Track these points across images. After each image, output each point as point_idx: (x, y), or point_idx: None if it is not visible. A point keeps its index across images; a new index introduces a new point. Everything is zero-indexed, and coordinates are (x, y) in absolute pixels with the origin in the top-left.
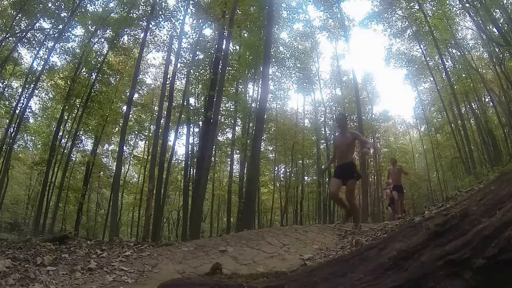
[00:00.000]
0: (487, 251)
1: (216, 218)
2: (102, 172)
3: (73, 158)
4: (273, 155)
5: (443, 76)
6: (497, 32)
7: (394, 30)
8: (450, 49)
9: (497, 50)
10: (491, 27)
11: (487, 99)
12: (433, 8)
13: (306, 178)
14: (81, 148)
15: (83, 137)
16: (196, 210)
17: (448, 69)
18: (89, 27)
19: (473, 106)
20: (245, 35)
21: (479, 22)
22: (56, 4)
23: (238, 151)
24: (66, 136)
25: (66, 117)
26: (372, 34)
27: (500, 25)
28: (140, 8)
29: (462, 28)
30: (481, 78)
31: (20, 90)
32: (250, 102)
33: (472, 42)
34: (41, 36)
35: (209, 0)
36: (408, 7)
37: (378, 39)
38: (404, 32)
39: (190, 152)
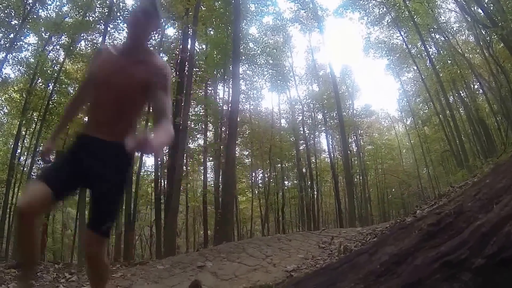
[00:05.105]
0: (486, 249)
1: (192, 232)
2: None
3: (34, 177)
4: (250, 160)
5: (427, 64)
6: (482, 13)
7: (372, 17)
8: (433, 34)
9: (483, 33)
10: (475, 7)
11: (476, 86)
12: None
13: (286, 182)
14: (42, 165)
15: None
16: (170, 224)
17: (432, 56)
18: (43, 34)
19: (462, 94)
20: (212, 32)
21: (462, 3)
22: (6, 11)
23: (211, 158)
24: (25, 153)
25: (24, 133)
26: (348, 24)
27: (485, 5)
28: (96, 10)
29: (445, 11)
30: (468, 63)
31: None
32: (221, 104)
33: (457, 26)
34: None
35: None
36: None
37: (355, 28)
38: (383, 19)
39: (159, 162)
